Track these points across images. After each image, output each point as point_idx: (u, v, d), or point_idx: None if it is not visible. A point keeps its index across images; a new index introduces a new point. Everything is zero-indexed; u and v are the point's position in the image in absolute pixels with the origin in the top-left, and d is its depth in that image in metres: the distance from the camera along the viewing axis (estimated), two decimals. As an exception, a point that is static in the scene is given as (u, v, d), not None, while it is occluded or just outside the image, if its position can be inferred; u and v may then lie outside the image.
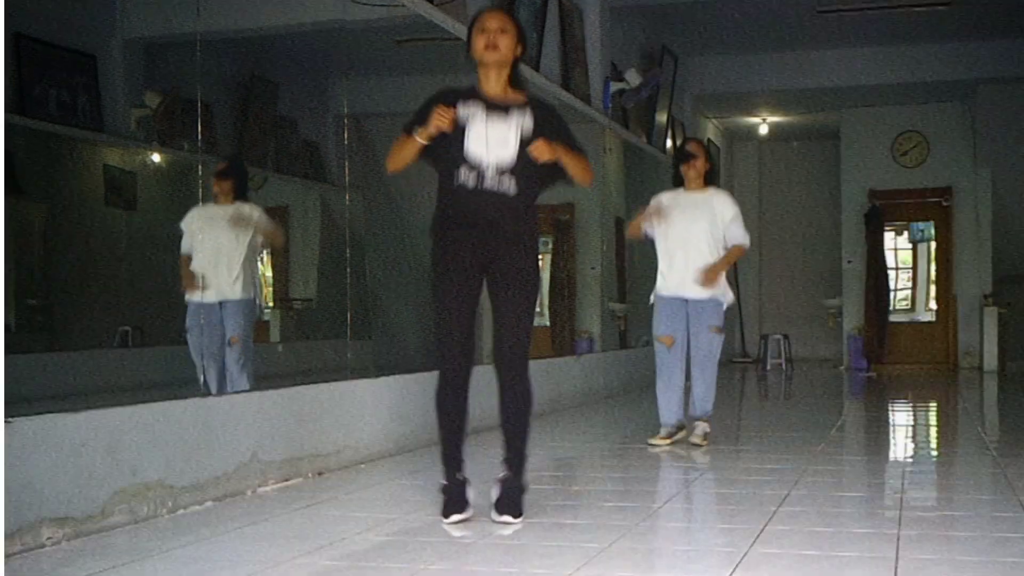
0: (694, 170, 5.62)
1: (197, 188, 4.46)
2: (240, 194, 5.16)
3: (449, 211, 3.64)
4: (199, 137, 4.41)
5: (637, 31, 10.77)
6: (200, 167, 4.47)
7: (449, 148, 3.60)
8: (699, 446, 5.56)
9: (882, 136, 13.68)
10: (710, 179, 5.71)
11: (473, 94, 3.67)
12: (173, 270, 4.95)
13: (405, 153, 3.67)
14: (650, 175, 10.41)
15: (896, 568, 2.91)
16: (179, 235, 4.67)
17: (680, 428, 5.70)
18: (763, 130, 14.72)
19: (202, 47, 4.24)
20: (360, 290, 5.70)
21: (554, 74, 8.22)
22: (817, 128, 14.83)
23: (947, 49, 11.99)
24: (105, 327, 4.72)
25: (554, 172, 3.70)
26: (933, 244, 13.85)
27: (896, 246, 14.29)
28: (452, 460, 3.71)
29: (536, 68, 7.63)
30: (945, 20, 10.99)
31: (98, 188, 4.78)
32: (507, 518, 3.55)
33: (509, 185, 3.57)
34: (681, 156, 5.72)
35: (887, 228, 13.74)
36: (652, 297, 5.74)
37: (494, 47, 3.60)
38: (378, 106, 6.67)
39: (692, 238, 5.52)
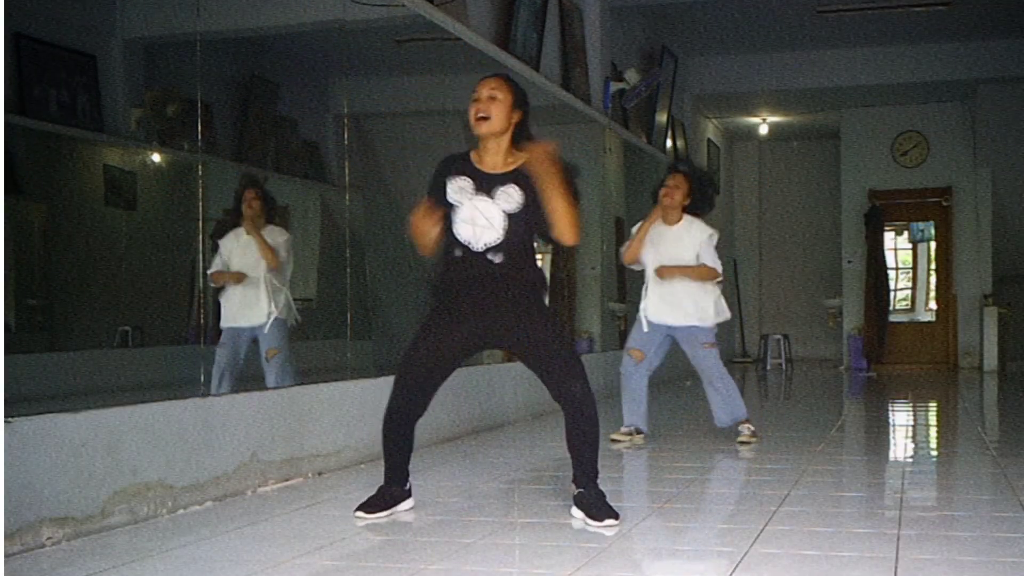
0: (669, 199, 5.62)
1: (197, 188, 4.46)
2: (270, 217, 5.28)
3: (447, 284, 3.66)
4: (199, 137, 4.41)
5: (637, 31, 10.77)
6: (200, 167, 4.47)
7: (446, 225, 3.62)
8: (748, 443, 5.70)
9: (882, 136, 13.68)
10: (694, 207, 5.71)
11: (466, 166, 3.63)
12: (173, 270, 4.95)
13: (427, 233, 3.62)
14: (650, 175, 10.38)
15: (896, 568, 2.91)
16: (182, 236, 4.68)
17: (639, 432, 5.81)
18: (763, 130, 14.72)
19: (202, 47, 4.24)
20: (360, 290, 5.70)
21: (554, 74, 8.22)
22: (817, 128, 14.83)
23: (947, 49, 12.00)
24: (105, 327, 4.72)
25: (541, 228, 3.62)
26: (933, 244, 13.85)
27: (896, 246, 14.30)
28: (392, 472, 3.78)
29: (536, 68, 7.64)
30: (945, 20, 10.99)
31: (98, 188, 4.78)
32: (609, 521, 3.48)
33: (500, 259, 3.56)
34: (662, 183, 5.72)
35: (887, 228, 13.74)
36: (640, 314, 5.82)
37: (484, 118, 3.55)
38: (378, 106, 6.68)
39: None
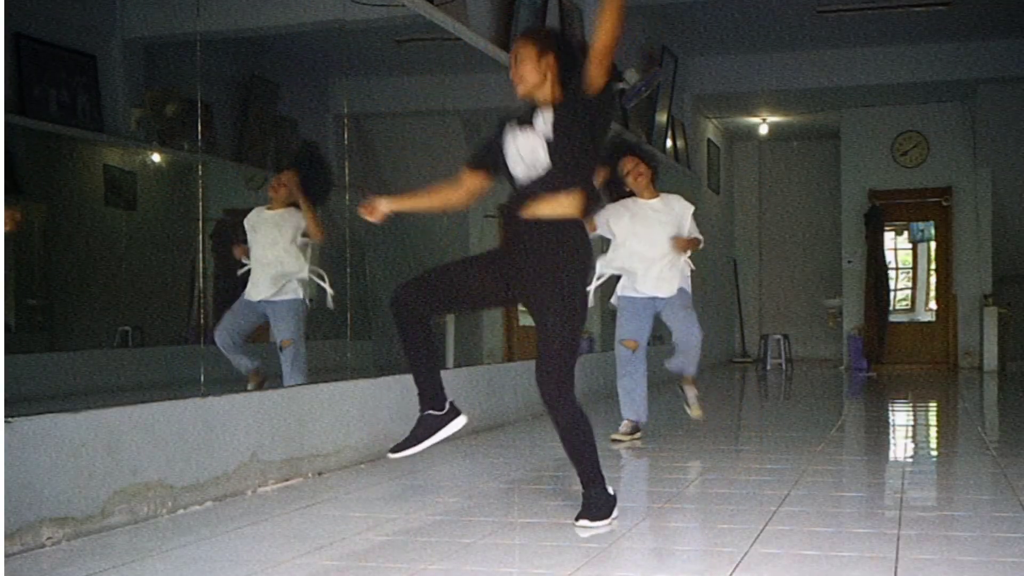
0: (644, 179, 5.73)
1: (197, 188, 4.46)
2: (294, 200, 5.35)
3: (503, 233, 3.66)
4: (199, 137, 4.41)
5: (637, 31, 10.77)
6: (200, 167, 4.47)
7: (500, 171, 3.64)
8: (696, 416, 6.02)
9: (882, 136, 13.68)
10: (656, 176, 5.87)
11: (525, 112, 3.62)
12: (173, 270, 4.95)
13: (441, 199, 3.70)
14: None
15: (896, 568, 2.91)
16: (182, 236, 4.69)
17: (638, 429, 5.87)
18: (763, 130, 14.72)
19: (202, 47, 4.24)
20: (360, 290, 5.70)
21: (554, 74, 8.21)
22: (817, 128, 14.83)
23: (947, 49, 12.00)
24: (105, 327, 4.73)
25: (593, 118, 3.49)
26: (933, 244, 13.85)
27: (896, 246, 14.30)
28: (422, 391, 3.58)
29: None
30: (945, 20, 10.99)
31: (98, 188, 4.78)
32: (583, 522, 3.45)
33: (536, 189, 3.46)
34: (626, 169, 5.77)
35: (887, 228, 13.74)
36: (615, 300, 5.90)
37: (518, 80, 3.55)
38: (378, 106, 6.68)
39: (659, 244, 5.71)
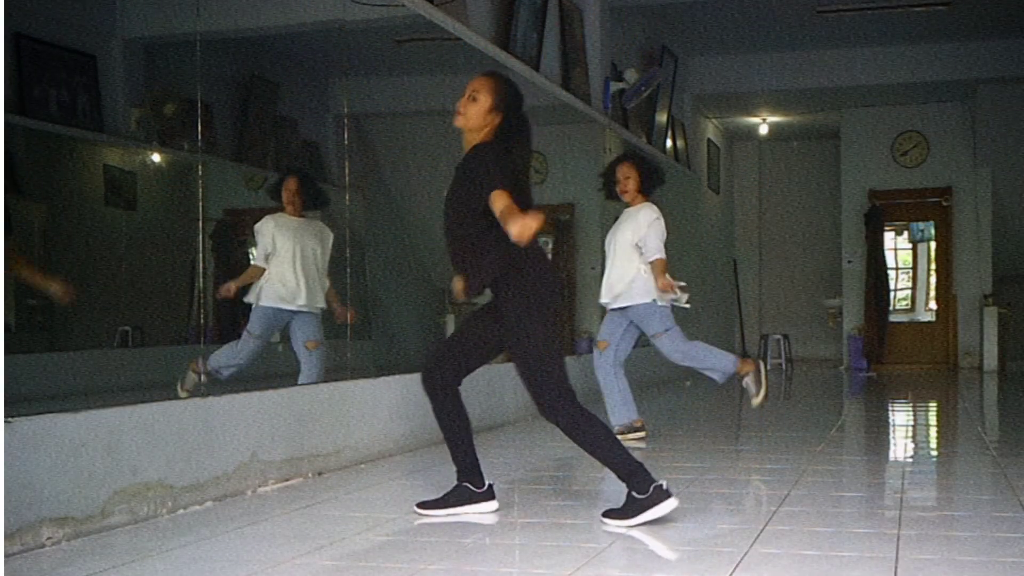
0: (631, 182, 5.78)
1: (197, 188, 4.46)
2: (309, 206, 5.41)
3: None
4: (199, 137, 4.41)
5: (637, 31, 10.77)
6: (200, 167, 4.47)
7: None
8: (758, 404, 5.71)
9: (882, 136, 13.68)
10: (649, 187, 5.84)
11: None
12: (173, 270, 4.95)
13: None
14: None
15: (896, 568, 2.91)
16: (182, 236, 4.68)
17: (637, 430, 5.82)
18: (763, 130, 14.72)
19: (202, 47, 4.24)
20: (360, 290, 5.70)
21: (554, 74, 8.22)
22: (817, 128, 14.83)
23: (947, 49, 11.99)
24: (105, 327, 4.72)
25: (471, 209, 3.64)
26: (933, 244, 13.85)
27: (896, 246, 14.29)
28: (456, 458, 3.77)
29: (536, 68, 7.64)
30: (945, 20, 10.99)
31: (98, 188, 4.78)
32: (604, 520, 3.56)
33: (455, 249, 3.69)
34: (612, 182, 5.83)
35: (887, 228, 13.74)
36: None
37: (458, 112, 3.67)
38: (378, 106, 6.68)
39: (619, 251, 5.74)
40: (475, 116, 3.64)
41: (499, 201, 3.38)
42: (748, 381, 5.69)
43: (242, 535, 3.47)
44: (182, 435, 3.84)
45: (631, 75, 9.53)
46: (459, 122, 3.68)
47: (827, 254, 14.94)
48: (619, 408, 5.82)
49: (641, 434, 5.82)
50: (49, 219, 4.53)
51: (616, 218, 5.93)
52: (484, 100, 3.65)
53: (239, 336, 5.15)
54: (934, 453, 5.84)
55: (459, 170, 3.67)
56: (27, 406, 3.29)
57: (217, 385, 4.58)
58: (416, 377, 5.53)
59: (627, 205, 5.87)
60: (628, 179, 5.79)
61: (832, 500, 4.12)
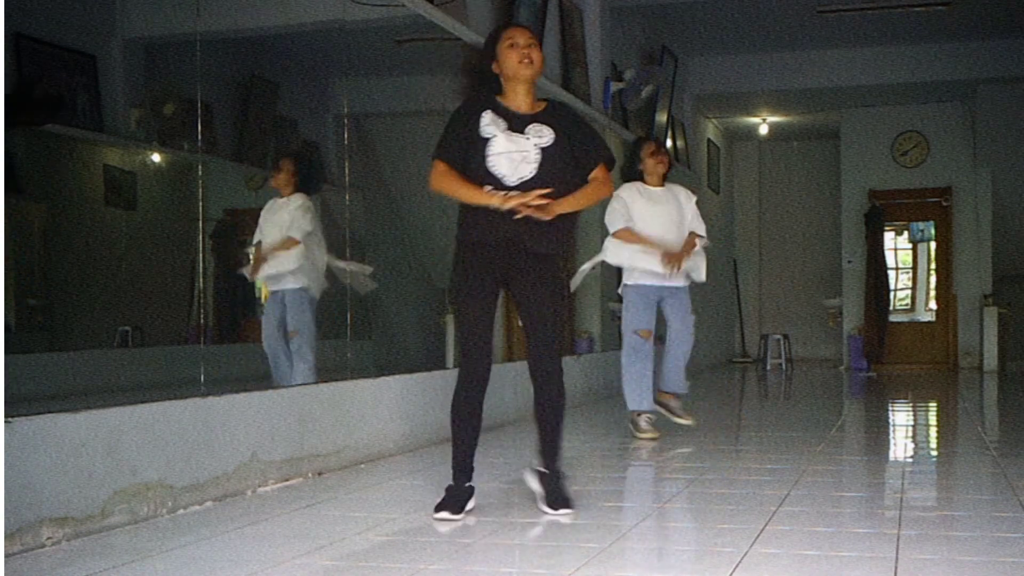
0: (663, 167, 5.94)
1: (197, 188, 4.46)
2: (301, 186, 5.35)
3: (473, 228, 3.71)
4: (199, 137, 4.41)
5: (637, 31, 10.77)
6: (200, 167, 4.47)
7: (470, 163, 3.66)
8: (688, 424, 6.02)
9: (882, 136, 13.68)
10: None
11: (495, 106, 3.72)
12: (173, 270, 4.95)
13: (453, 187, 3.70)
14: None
15: (896, 568, 2.91)
16: (182, 236, 4.69)
17: (671, 407, 6.09)
18: (763, 130, 14.73)
19: (202, 47, 4.24)
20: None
21: (554, 74, 8.22)
22: (817, 128, 14.83)
23: (947, 49, 11.99)
24: (105, 327, 4.72)
25: (572, 169, 3.74)
26: (933, 244, 13.85)
27: (896, 246, 14.29)
28: (463, 467, 3.80)
29: (536, 68, 7.63)
30: (945, 20, 10.98)
31: (98, 188, 4.78)
32: (564, 511, 3.66)
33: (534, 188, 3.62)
34: (650, 151, 5.96)
35: (887, 228, 13.74)
36: (621, 289, 6.00)
37: (530, 61, 3.67)
38: (378, 106, 6.67)
39: (671, 230, 5.85)
40: (542, 61, 3.73)
41: (606, 174, 3.72)
42: (674, 405, 6.08)
43: (242, 535, 3.47)
44: (182, 435, 3.84)
45: (630, 75, 9.54)
46: (531, 71, 3.69)
47: (827, 254, 14.94)
48: (645, 392, 5.95)
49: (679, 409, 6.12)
50: (49, 219, 4.52)
51: (641, 197, 5.91)
52: (535, 42, 3.74)
53: (239, 338, 5.18)
54: (934, 453, 5.84)
55: (563, 126, 3.70)
56: (27, 406, 3.29)
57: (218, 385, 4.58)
58: (417, 377, 5.58)
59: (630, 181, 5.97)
60: (661, 162, 5.91)
61: (832, 500, 4.12)
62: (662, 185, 5.95)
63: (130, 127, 4.90)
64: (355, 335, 5.39)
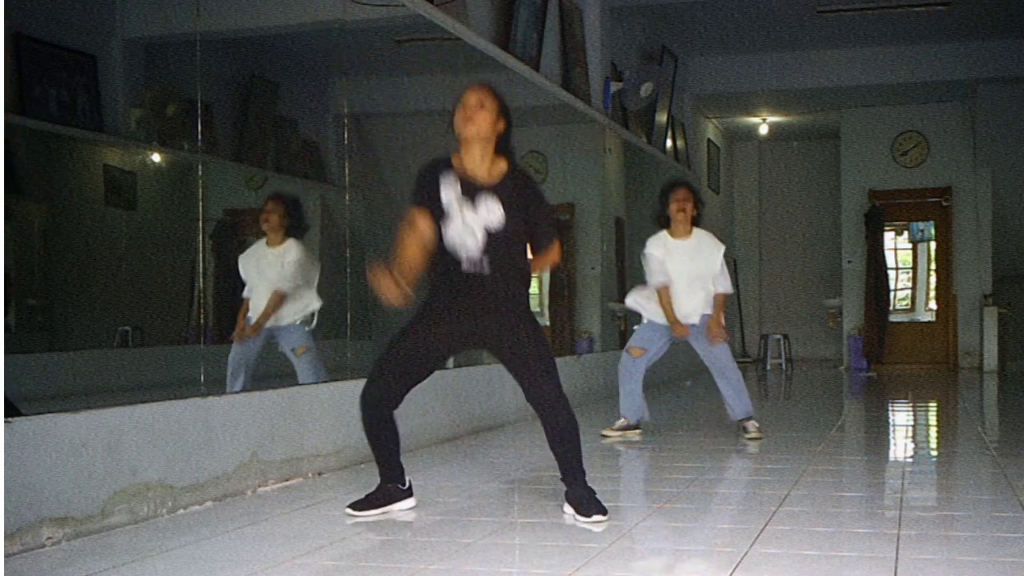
0: (685, 215, 5.96)
1: (197, 188, 4.46)
2: (292, 231, 5.33)
3: (437, 286, 3.79)
4: (199, 137, 4.41)
5: (637, 31, 10.77)
6: (200, 167, 4.47)
7: (437, 225, 3.73)
8: (757, 439, 5.94)
9: (882, 136, 13.69)
10: (699, 217, 6.10)
11: (450, 170, 3.74)
12: (173, 270, 4.95)
13: (421, 240, 3.75)
14: (650, 175, 10.41)
15: (896, 568, 2.91)
16: (182, 236, 4.68)
17: (636, 427, 6.15)
18: (763, 130, 14.72)
19: (202, 47, 4.24)
20: (360, 290, 5.69)
21: (554, 74, 8.22)
22: (817, 128, 14.83)
23: (947, 49, 12.00)
24: (105, 327, 4.72)
25: (523, 242, 3.81)
26: (933, 244, 13.85)
27: (896, 246, 14.29)
28: (383, 467, 3.84)
29: (536, 68, 7.64)
30: (945, 20, 10.99)
31: (98, 188, 4.78)
32: (598, 517, 3.63)
33: (484, 267, 3.69)
34: (668, 201, 5.99)
35: (887, 228, 13.73)
36: (644, 320, 6.19)
37: (470, 120, 3.67)
38: (378, 106, 6.67)
39: (691, 283, 5.93)
40: (487, 123, 3.68)
41: (558, 251, 3.81)
42: (753, 425, 6.04)
43: (242, 535, 3.47)
44: (182, 435, 3.84)
45: (630, 75, 9.54)
46: (471, 131, 3.67)
47: (827, 254, 14.94)
48: (633, 405, 6.13)
49: (635, 434, 6.13)
50: (49, 219, 4.52)
51: (665, 251, 5.98)
52: (492, 106, 3.71)
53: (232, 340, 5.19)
54: (934, 453, 5.84)
55: (511, 196, 3.70)
56: (27, 406, 3.29)
57: (218, 385, 4.58)
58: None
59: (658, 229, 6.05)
60: (683, 211, 5.93)
61: (832, 500, 4.12)
62: (689, 233, 5.98)
63: (130, 127, 4.90)
64: (355, 335, 5.39)
